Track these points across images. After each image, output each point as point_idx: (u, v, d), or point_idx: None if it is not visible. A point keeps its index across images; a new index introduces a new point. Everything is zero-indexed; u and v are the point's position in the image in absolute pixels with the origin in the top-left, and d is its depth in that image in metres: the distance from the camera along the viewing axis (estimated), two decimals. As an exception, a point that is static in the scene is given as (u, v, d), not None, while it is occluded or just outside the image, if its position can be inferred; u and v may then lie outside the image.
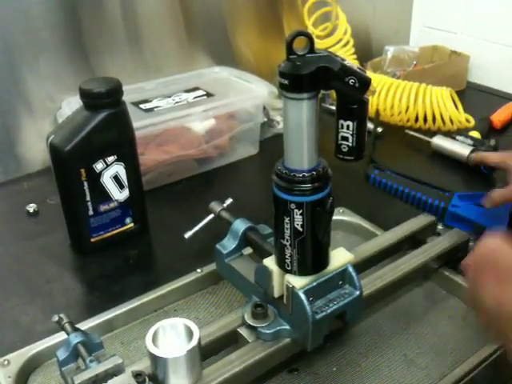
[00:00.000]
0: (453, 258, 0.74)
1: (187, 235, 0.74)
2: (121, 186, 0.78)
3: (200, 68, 1.15)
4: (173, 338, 0.54)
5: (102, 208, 0.77)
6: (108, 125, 0.73)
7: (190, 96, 1.03)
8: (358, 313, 0.60)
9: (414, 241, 0.77)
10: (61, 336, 0.62)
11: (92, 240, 0.78)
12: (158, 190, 0.95)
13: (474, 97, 1.32)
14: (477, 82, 1.37)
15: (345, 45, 1.25)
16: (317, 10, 1.25)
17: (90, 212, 0.76)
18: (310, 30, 1.25)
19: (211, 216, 0.74)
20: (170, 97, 1.02)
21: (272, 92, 1.02)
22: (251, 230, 0.67)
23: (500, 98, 1.28)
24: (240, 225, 0.67)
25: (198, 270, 0.74)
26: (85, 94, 0.72)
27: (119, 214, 0.79)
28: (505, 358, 0.51)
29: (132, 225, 0.81)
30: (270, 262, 0.59)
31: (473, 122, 1.14)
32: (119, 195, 0.78)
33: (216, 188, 1.00)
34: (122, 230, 0.81)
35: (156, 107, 0.98)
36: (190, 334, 0.53)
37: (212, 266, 0.74)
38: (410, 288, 0.74)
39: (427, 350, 0.65)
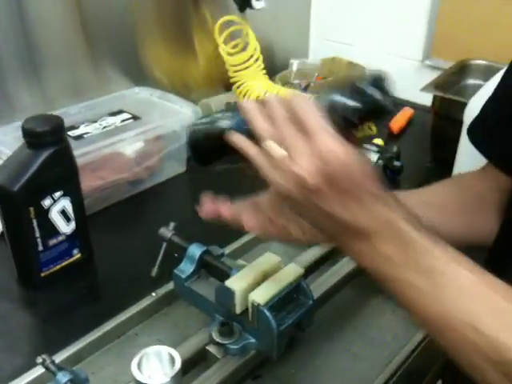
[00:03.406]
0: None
1: (154, 272, 0.78)
2: (67, 219, 0.79)
3: (120, 89, 1.17)
4: (155, 364, 0.58)
5: (51, 242, 0.78)
6: (54, 162, 0.74)
7: (117, 120, 1.05)
8: (312, 320, 0.68)
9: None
10: (31, 374, 0.64)
11: (42, 274, 0.79)
12: (94, 216, 0.96)
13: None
14: (372, 90, 1.50)
15: (256, 60, 1.33)
16: (228, 27, 1.31)
17: (40, 248, 0.77)
18: (221, 47, 1.31)
19: (164, 244, 0.78)
20: (96, 121, 1.04)
21: (196, 112, 1.08)
22: (206, 253, 0.73)
23: (395, 104, 1.42)
24: (196, 249, 0.72)
25: (153, 294, 0.78)
26: (28, 133, 0.73)
27: (66, 247, 0.81)
28: (432, 342, 0.61)
29: (79, 255, 0.83)
30: (231, 283, 0.65)
31: (375, 129, 1.27)
32: (66, 228, 0.80)
33: (150, 208, 1.03)
34: (70, 261, 0.82)
35: (85, 133, 0.99)
36: (171, 359, 0.58)
37: (165, 289, 0.79)
38: (345, 288, 0.84)
39: (368, 343, 0.75)
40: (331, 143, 0.46)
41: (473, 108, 0.97)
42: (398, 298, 0.48)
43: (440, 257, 0.45)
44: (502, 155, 0.65)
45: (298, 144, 0.46)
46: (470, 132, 0.70)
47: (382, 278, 0.48)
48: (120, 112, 1.08)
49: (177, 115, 1.07)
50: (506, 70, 0.67)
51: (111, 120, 1.04)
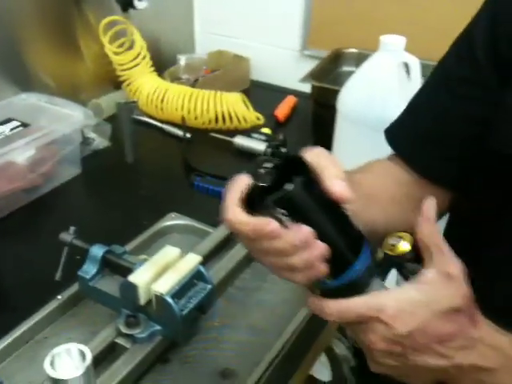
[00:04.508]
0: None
1: (57, 277, 0.80)
2: (-36, 233, 0.80)
3: (6, 97, 1.15)
4: (67, 361, 0.61)
5: None
6: None
7: (6, 128, 1.04)
8: (213, 302, 0.75)
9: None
10: None
11: None
12: (-9, 227, 0.97)
13: (258, 94, 1.50)
14: (258, 80, 1.58)
15: (143, 58, 1.36)
16: (112, 27, 1.33)
17: None
18: (107, 47, 1.33)
19: (66, 248, 0.80)
20: (-17, 132, 1.02)
21: (87, 114, 1.09)
22: (108, 253, 0.76)
23: (280, 93, 1.50)
24: (98, 250, 0.76)
25: (59, 297, 0.80)
26: None
27: (-35, 260, 0.81)
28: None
29: (-21, 267, 0.84)
30: (134, 278, 0.70)
31: (262, 119, 1.35)
32: (-37, 242, 0.80)
33: (49, 213, 1.04)
34: (-30, 274, 0.82)
35: (-27, 145, 0.98)
36: (82, 355, 0.61)
37: (70, 291, 0.81)
38: (242, 269, 0.91)
39: (264, 316, 0.82)
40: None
41: (344, 96, 1.08)
42: None
43: None
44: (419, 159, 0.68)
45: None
46: (389, 134, 0.71)
47: None
48: (8, 120, 1.07)
49: (67, 119, 1.08)
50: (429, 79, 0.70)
51: (0, 129, 1.04)
